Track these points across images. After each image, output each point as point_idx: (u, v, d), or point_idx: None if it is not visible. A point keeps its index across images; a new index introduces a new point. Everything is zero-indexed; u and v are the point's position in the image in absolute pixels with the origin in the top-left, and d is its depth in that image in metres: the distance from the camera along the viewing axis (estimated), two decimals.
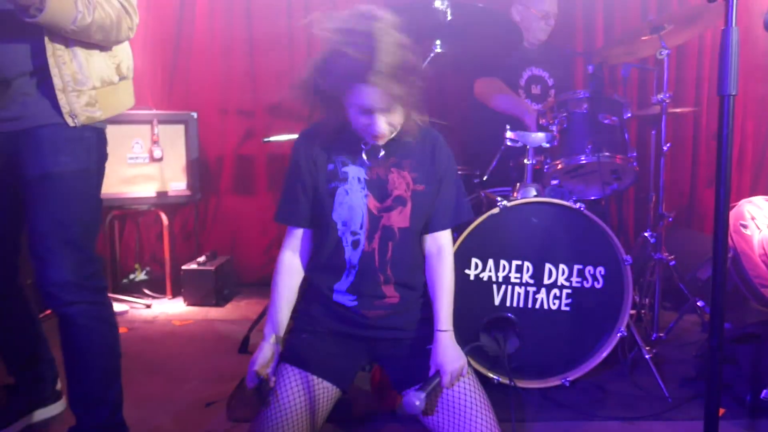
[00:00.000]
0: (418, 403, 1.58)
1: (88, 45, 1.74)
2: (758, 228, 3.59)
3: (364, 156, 1.73)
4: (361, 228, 1.72)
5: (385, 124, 1.61)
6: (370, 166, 1.73)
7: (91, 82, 1.74)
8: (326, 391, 1.73)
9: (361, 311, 1.76)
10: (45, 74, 1.68)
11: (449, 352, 1.71)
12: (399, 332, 1.79)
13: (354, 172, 1.73)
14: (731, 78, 1.11)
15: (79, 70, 1.71)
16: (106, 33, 1.71)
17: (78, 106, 1.71)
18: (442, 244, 1.81)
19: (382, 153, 1.72)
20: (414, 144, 1.76)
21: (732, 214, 3.64)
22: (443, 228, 1.81)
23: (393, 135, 1.68)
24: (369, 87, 1.51)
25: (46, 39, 1.66)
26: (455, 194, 1.83)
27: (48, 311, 2.81)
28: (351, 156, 1.74)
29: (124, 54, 1.88)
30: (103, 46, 1.78)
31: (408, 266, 1.77)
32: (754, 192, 4.11)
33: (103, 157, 1.87)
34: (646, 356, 2.47)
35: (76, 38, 1.68)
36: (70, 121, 1.71)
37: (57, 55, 1.67)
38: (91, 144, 1.80)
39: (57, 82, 1.68)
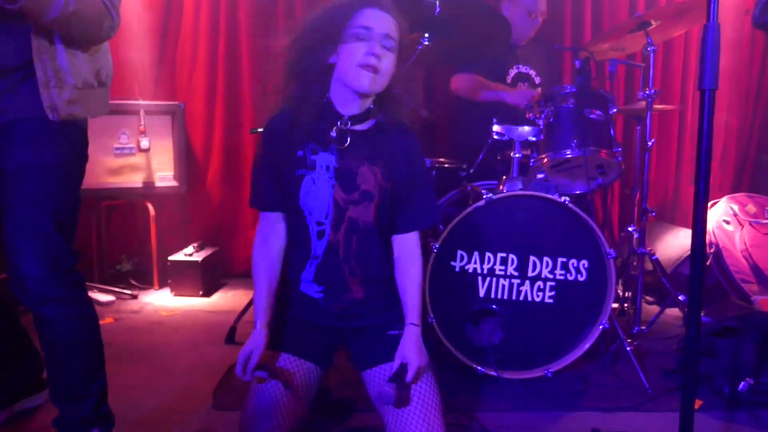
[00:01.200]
0: (390, 392, 1.60)
1: (71, 45, 1.73)
2: (740, 224, 3.65)
3: (334, 139, 1.70)
4: (326, 218, 1.71)
5: (379, 52, 1.62)
6: (340, 156, 1.70)
7: (73, 80, 1.73)
8: (310, 372, 1.76)
9: (327, 305, 1.77)
10: (29, 71, 1.67)
11: (418, 348, 1.71)
12: (364, 319, 1.80)
13: (323, 160, 1.71)
14: (712, 73, 1.13)
15: (62, 67, 1.70)
16: (86, 26, 1.69)
17: (60, 101, 1.69)
18: (411, 246, 1.81)
19: (349, 141, 1.71)
20: (390, 141, 1.76)
21: (714, 210, 3.69)
22: (412, 230, 1.81)
23: (379, 88, 1.67)
24: (375, 10, 1.64)
25: (33, 37, 1.65)
26: (427, 199, 1.83)
27: None
28: (321, 144, 1.71)
29: (104, 61, 1.86)
30: (85, 47, 1.77)
31: (372, 261, 1.76)
32: (737, 189, 4.18)
33: (83, 154, 1.85)
34: (628, 348, 2.51)
35: (57, 29, 1.66)
36: (50, 114, 1.68)
37: (42, 51, 1.66)
38: (73, 140, 1.78)
39: (40, 76, 1.66)
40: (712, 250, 3.50)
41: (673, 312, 3.37)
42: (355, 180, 1.71)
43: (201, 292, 3.63)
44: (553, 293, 2.47)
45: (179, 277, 3.63)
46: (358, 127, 1.74)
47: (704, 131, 1.16)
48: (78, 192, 1.81)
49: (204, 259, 3.67)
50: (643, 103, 2.94)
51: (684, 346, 2.46)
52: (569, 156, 2.63)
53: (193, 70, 3.93)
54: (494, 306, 2.45)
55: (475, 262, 2.44)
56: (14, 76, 1.68)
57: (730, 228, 3.61)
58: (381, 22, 1.64)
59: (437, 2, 2.54)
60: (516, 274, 2.46)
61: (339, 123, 1.71)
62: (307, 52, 1.68)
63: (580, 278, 2.48)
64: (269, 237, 1.79)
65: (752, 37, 4.08)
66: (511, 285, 2.46)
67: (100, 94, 1.85)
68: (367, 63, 1.62)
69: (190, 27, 3.89)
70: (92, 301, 1.84)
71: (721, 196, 3.75)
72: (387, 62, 1.66)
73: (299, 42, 1.70)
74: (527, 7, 3.29)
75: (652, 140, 2.90)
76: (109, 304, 3.42)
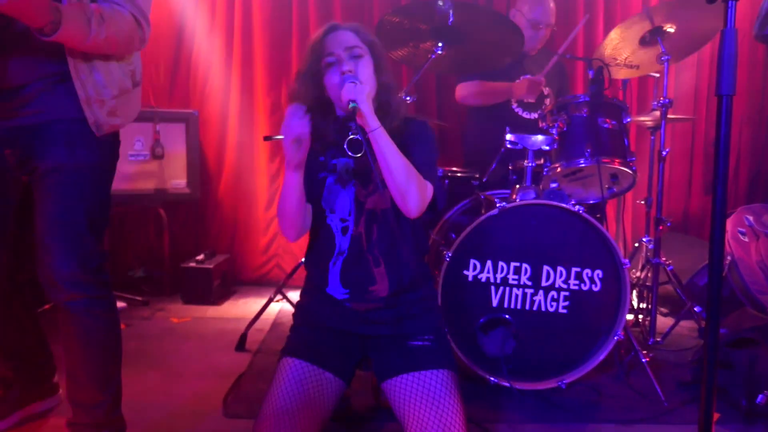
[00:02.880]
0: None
1: (106, 58, 1.76)
2: (756, 235, 3.61)
3: (347, 149, 1.77)
4: (349, 215, 1.80)
5: (349, 66, 1.71)
6: (356, 157, 1.78)
7: (110, 91, 1.77)
8: (329, 382, 1.74)
9: (352, 306, 1.80)
10: (66, 78, 1.70)
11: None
12: (388, 327, 1.81)
13: (342, 163, 1.81)
14: (729, 79, 1.12)
15: (98, 81, 1.74)
16: (119, 47, 1.74)
17: (102, 116, 1.75)
18: None
19: (363, 147, 1.73)
20: (399, 133, 1.77)
21: (730, 221, 3.66)
22: None
23: (370, 94, 1.68)
24: (332, 34, 1.76)
25: (69, 60, 1.68)
26: (424, 159, 1.80)
27: (47, 306, 2.81)
28: (339, 150, 1.81)
29: (136, 62, 1.91)
30: (120, 58, 1.81)
31: (393, 244, 1.79)
32: (750, 200, 4.14)
33: (116, 156, 1.89)
34: (643, 360, 2.48)
35: (90, 51, 1.70)
36: (95, 130, 1.74)
37: (78, 68, 1.69)
38: (107, 141, 1.82)
39: (81, 94, 1.71)
40: (727, 261, 3.46)
41: (688, 324, 3.33)
42: (370, 175, 1.77)
43: (212, 300, 3.63)
44: (567, 303, 2.45)
45: (190, 284, 3.64)
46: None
47: (722, 136, 1.14)
48: (109, 192, 1.85)
49: (215, 266, 3.67)
50: (656, 113, 2.93)
51: (701, 357, 2.43)
52: (582, 165, 2.61)
53: (208, 78, 3.95)
54: (507, 316, 2.43)
55: (488, 272, 2.43)
56: (52, 81, 1.72)
57: (745, 239, 3.57)
58: (340, 40, 1.75)
59: (451, 11, 2.55)
60: (529, 283, 2.44)
61: (350, 133, 1.77)
62: (307, 91, 1.79)
63: (595, 288, 2.45)
64: None
65: (765, 52, 4.06)
66: (524, 295, 2.44)
67: (135, 95, 1.91)
68: (343, 81, 1.68)
69: (206, 35, 3.91)
70: (115, 302, 1.86)
71: (735, 208, 3.71)
72: (363, 67, 1.74)
73: (299, 82, 1.81)
74: (533, 18, 3.27)
75: (667, 150, 2.88)
76: (120, 310, 3.42)
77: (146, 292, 3.77)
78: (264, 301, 3.07)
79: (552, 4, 3.31)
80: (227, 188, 4.07)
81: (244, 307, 3.63)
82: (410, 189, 1.65)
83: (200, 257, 3.73)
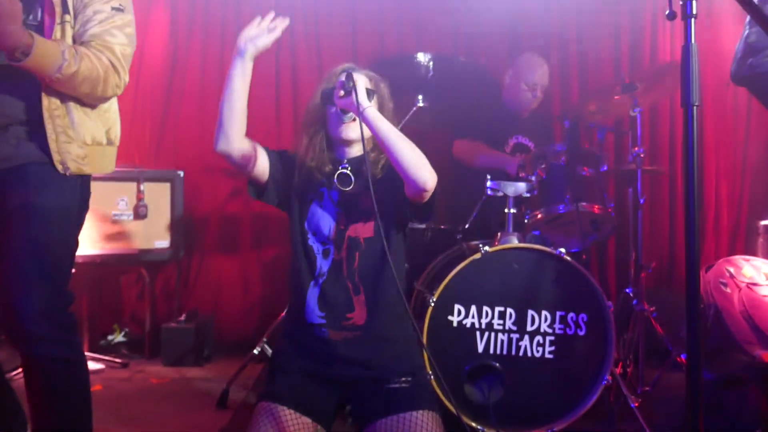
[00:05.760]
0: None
1: (83, 104, 1.79)
2: (737, 286, 3.63)
3: (336, 182, 1.86)
4: (328, 239, 1.84)
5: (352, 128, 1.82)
6: (342, 192, 1.85)
7: (82, 137, 1.79)
8: (306, 426, 1.70)
9: (329, 334, 1.78)
10: (39, 125, 1.73)
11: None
12: (364, 370, 1.80)
13: (330, 192, 1.88)
14: (693, 89, 1.18)
15: (71, 125, 1.76)
16: (92, 85, 1.75)
17: (69, 156, 1.76)
18: None
19: (353, 181, 1.85)
20: (379, 172, 1.88)
21: (711, 272, 3.69)
22: None
23: (360, 141, 1.80)
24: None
25: (43, 94, 1.72)
26: None
27: (20, 369, 2.73)
28: (328, 183, 1.88)
29: (115, 121, 1.94)
30: (93, 104, 1.83)
31: (375, 276, 1.81)
32: (732, 253, 4.17)
33: (85, 203, 1.89)
34: (632, 405, 2.44)
35: (64, 88, 1.72)
36: (60, 168, 1.75)
37: (52, 108, 1.73)
38: (75, 186, 1.83)
39: (50, 131, 1.73)
40: (711, 312, 3.47)
41: (677, 375, 3.30)
42: (357, 205, 1.83)
43: (193, 361, 3.55)
44: (552, 348, 2.43)
45: (172, 345, 3.56)
46: (356, 168, 1.87)
47: (690, 146, 1.19)
48: (76, 237, 1.84)
49: (197, 327, 3.61)
50: (633, 165, 3.00)
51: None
52: (563, 211, 2.65)
53: (195, 138, 3.99)
54: (495, 363, 2.40)
55: (473, 317, 2.41)
56: (25, 128, 1.75)
57: (727, 290, 3.59)
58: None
59: (431, 65, 2.64)
60: (514, 328, 2.42)
61: (341, 167, 1.86)
62: (314, 121, 1.92)
63: (580, 332, 2.44)
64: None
65: (735, 106, 4.21)
66: (510, 340, 2.42)
67: (109, 153, 1.92)
68: (342, 130, 1.84)
69: (194, 95, 4.00)
70: (82, 347, 1.82)
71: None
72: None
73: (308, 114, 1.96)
74: (527, 81, 3.35)
75: (644, 197, 2.94)
76: (98, 372, 3.34)
77: (126, 355, 3.68)
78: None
79: (546, 67, 3.41)
80: (211, 249, 4.04)
81: (227, 368, 3.53)
82: (416, 157, 1.71)
83: (182, 318, 3.67)
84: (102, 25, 1.78)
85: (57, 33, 1.73)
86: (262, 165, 1.83)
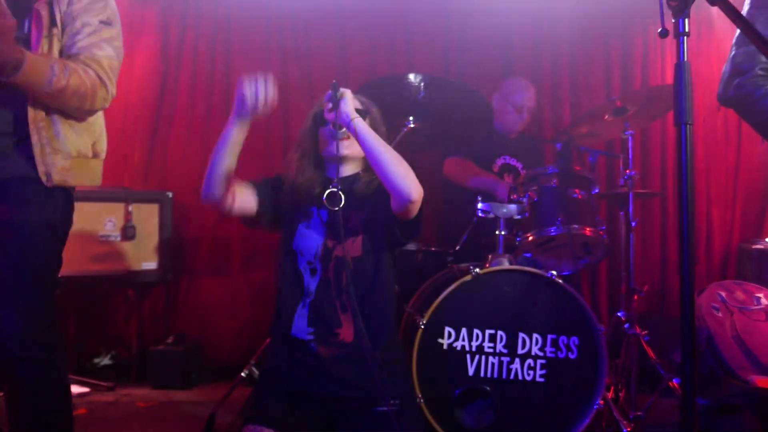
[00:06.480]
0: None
1: (68, 116, 1.78)
2: (730, 311, 3.62)
3: (326, 201, 1.85)
4: (315, 258, 1.85)
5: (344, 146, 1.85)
6: (332, 211, 1.84)
7: (67, 150, 1.78)
8: None
9: (317, 349, 1.78)
10: (25, 138, 1.72)
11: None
12: (352, 390, 1.78)
13: (319, 211, 1.90)
14: (686, 107, 1.17)
15: (56, 136, 1.75)
16: (81, 99, 1.75)
17: (53, 168, 1.75)
18: None
19: (343, 200, 1.83)
20: (369, 192, 1.90)
21: (703, 297, 3.67)
22: None
23: (352, 159, 1.89)
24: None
25: (29, 107, 1.70)
26: None
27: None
28: (317, 202, 1.90)
29: (101, 134, 1.94)
30: (81, 118, 1.82)
31: (364, 295, 1.80)
32: (723, 278, 4.17)
33: (68, 218, 1.87)
34: (624, 430, 2.41)
35: (53, 103, 1.72)
36: (44, 179, 1.73)
37: (37, 121, 1.72)
38: (59, 202, 1.81)
39: (35, 141, 1.72)
40: (704, 336, 3.45)
41: (670, 401, 3.26)
42: (345, 224, 1.83)
43: (180, 384, 3.49)
44: (544, 372, 2.40)
45: (158, 368, 3.51)
46: (347, 187, 1.88)
47: (683, 166, 1.17)
48: (60, 253, 1.81)
49: (185, 350, 3.56)
50: (624, 188, 3.00)
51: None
52: (554, 234, 2.64)
53: (184, 159, 3.97)
54: (486, 387, 2.36)
55: (463, 339, 2.38)
56: (10, 141, 1.73)
57: (720, 314, 3.58)
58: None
59: (422, 86, 2.64)
60: (505, 351, 2.39)
61: (331, 186, 1.85)
62: (306, 142, 1.96)
63: (571, 356, 2.41)
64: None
65: (725, 131, 4.24)
66: (500, 363, 2.39)
67: (94, 165, 1.90)
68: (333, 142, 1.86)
69: (184, 115, 3.98)
70: (65, 366, 1.78)
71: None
72: (352, 146, 1.87)
73: (302, 135, 1.99)
74: (515, 102, 3.39)
75: (635, 220, 2.93)
76: (83, 395, 3.27)
77: (112, 378, 3.62)
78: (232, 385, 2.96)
79: (533, 90, 3.46)
80: (200, 271, 4.00)
81: (215, 391, 3.48)
82: (402, 169, 1.72)
83: (170, 340, 3.62)
84: (90, 38, 1.78)
85: (44, 46, 1.73)
86: (250, 204, 1.90)
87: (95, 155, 1.90)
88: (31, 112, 1.71)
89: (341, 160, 1.88)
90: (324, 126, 1.88)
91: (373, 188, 1.89)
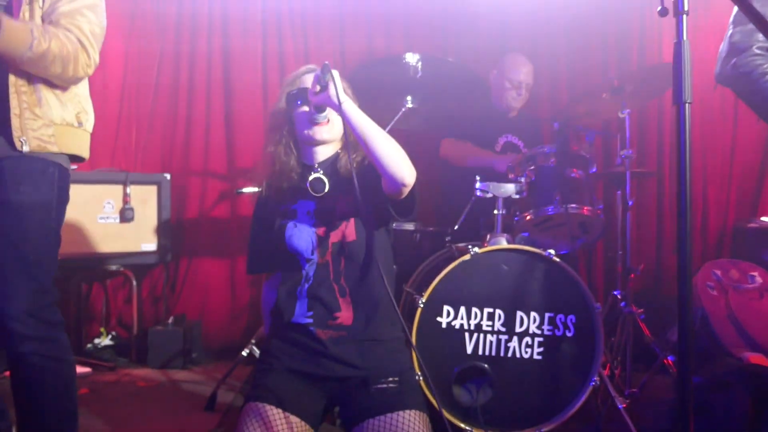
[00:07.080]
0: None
1: (52, 85, 1.76)
2: (724, 290, 3.65)
3: (309, 189, 1.84)
4: (312, 253, 1.82)
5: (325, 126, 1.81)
6: (318, 199, 1.83)
7: (49, 116, 1.75)
8: (295, 425, 1.68)
9: (316, 332, 1.78)
10: (5, 111, 1.69)
11: None
12: (352, 370, 1.79)
13: (303, 207, 1.86)
14: (685, 86, 1.18)
15: (37, 103, 1.72)
16: (63, 65, 1.72)
17: (31, 133, 1.71)
18: None
19: (327, 185, 1.82)
20: (366, 167, 1.84)
21: (698, 276, 3.70)
22: None
23: (331, 142, 1.86)
24: (310, 74, 1.81)
25: (10, 74, 1.69)
26: None
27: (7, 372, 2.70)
28: (300, 193, 1.86)
29: (85, 105, 1.91)
30: (63, 84, 1.81)
31: (362, 277, 1.81)
32: (718, 257, 4.20)
33: (64, 194, 1.85)
34: (620, 406, 2.44)
35: (35, 69, 1.69)
36: (18, 145, 1.69)
37: (18, 85, 1.69)
38: (53, 179, 1.80)
39: (14, 106, 1.69)
40: (698, 315, 3.48)
41: (665, 379, 3.30)
42: (334, 211, 1.81)
43: (181, 364, 3.52)
44: (541, 349, 2.42)
45: (159, 349, 3.53)
46: (329, 170, 1.86)
47: (682, 144, 1.19)
48: (58, 231, 1.81)
49: (185, 331, 3.58)
50: (621, 168, 3.01)
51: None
52: (551, 213, 2.65)
53: (183, 141, 3.97)
54: (483, 363, 2.39)
55: (462, 318, 2.40)
56: None
57: (714, 293, 3.61)
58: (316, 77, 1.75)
59: (419, 65, 2.64)
60: (503, 329, 2.42)
61: (312, 172, 1.84)
62: (279, 127, 1.89)
63: (568, 333, 2.44)
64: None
65: (722, 109, 4.23)
66: (498, 341, 2.41)
67: (81, 135, 1.87)
68: (311, 123, 1.81)
69: (184, 96, 3.97)
70: (69, 344, 1.79)
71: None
72: (332, 126, 1.84)
73: (273, 118, 1.93)
74: (513, 78, 3.38)
75: (632, 199, 2.95)
76: (84, 375, 3.30)
77: (113, 358, 3.65)
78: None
79: (531, 66, 3.43)
80: (199, 253, 4.02)
81: (215, 371, 3.52)
82: (396, 152, 1.68)
83: (170, 321, 3.64)
84: (71, 4, 1.76)
85: (25, 13, 1.71)
86: None
87: (80, 125, 1.87)
88: (12, 78, 1.69)
89: (320, 144, 1.85)
90: (299, 108, 1.82)
91: (356, 165, 1.81)
